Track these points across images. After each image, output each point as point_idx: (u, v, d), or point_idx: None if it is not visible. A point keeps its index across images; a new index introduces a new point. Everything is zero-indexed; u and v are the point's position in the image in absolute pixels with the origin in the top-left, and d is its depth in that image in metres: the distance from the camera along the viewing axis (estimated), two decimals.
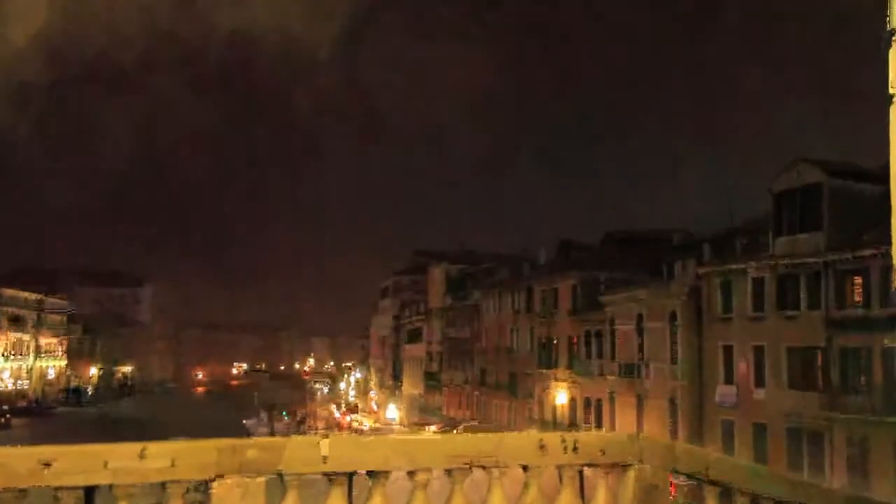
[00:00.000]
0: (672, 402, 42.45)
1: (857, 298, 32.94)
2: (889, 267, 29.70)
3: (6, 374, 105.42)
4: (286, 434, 36.10)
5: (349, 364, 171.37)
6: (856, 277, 32.96)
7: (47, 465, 4.28)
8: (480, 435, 6.11)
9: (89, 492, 4.54)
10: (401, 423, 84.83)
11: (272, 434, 61.37)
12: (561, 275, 55.53)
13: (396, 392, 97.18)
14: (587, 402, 51.73)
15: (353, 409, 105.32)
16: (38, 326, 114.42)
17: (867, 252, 31.18)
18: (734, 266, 38.98)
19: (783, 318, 35.91)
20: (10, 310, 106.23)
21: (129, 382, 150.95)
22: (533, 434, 6.04)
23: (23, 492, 4.26)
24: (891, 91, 2.73)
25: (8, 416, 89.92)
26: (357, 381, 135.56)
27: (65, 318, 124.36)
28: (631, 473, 5.91)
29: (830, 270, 33.67)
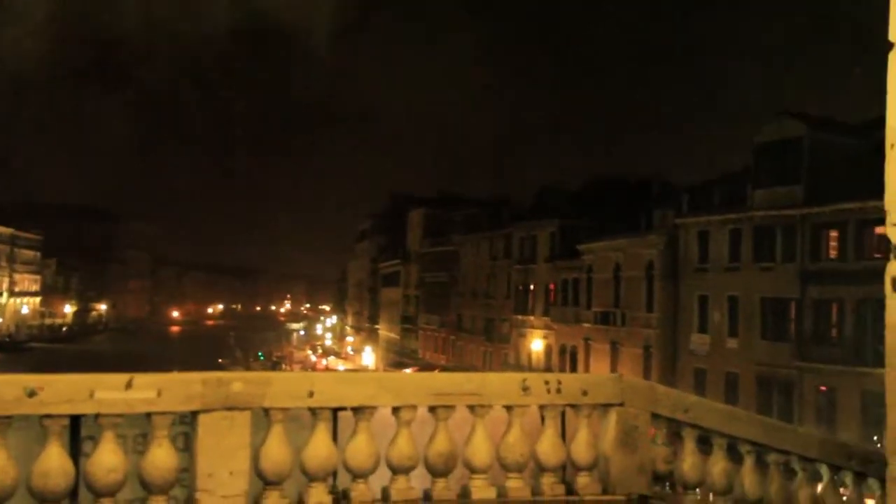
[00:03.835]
0: (646, 349, 42.98)
1: (833, 252, 33.30)
2: (865, 221, 29.96)
3: None
4: None
5: (326, 307, 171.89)
6: (832, 231, 33.29)
7: (33, 393, 4.24)
8: (464, 374, 6.13)
9: (75, 421, 4.51)
10: (377, 367, 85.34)
11: None
12: (540, 222, 55.59)
13: (373, 336, 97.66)
14: (562, 349, 52.25)
15: (329, 352, 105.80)
16: (12, 262, 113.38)
17: (844, 206, 31.46)
18: (712, 217, 39.20)
19: (758, 270, 36.29)
20: None
21: (104, 320, 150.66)
22: (517, 375, 6.06)
23: (7, 419, 4.23)
24: (891, 39, 2.71)
25: None
26: (333, 325, 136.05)
27: (39, 255, 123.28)
28: (613, 414, 5.97)
29: (807, 223, 33.96)
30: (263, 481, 4.94)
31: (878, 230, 29.69)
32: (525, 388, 5.70)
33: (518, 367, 55.42)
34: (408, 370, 66.35)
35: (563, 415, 5.94)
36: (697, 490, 6.32)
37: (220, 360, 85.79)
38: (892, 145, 3.05)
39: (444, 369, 61.50)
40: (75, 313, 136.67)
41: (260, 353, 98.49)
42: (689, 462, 6.19)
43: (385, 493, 5.28)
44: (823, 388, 32.92)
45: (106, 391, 4.46)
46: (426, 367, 67.51)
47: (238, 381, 4.84)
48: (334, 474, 5.20)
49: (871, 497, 6.82)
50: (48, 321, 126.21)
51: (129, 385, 4.51)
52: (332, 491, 5.15)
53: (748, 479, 6.35)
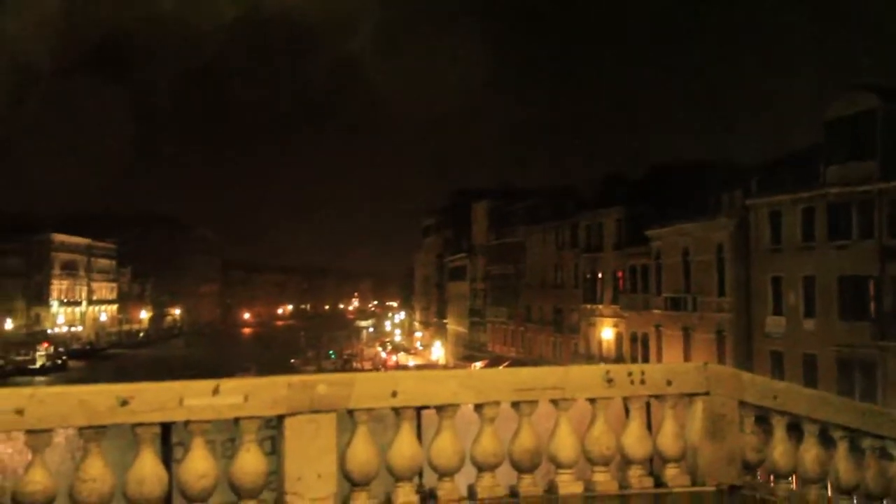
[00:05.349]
0: (719, 334, 42.20)
1: None
2: None
3: (61, 319, 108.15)
4: None
5: (393, 303, 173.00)
6: None
7: (125, 402, 4.32)
8: (546, 368, 6.07)
9: (166, 428, 4.59)
10: (446, 362, 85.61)
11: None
12: (605, 209, 55.05)
13: (441, 330, 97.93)
14: (633, 337, 51.65)
15: (398, 348, 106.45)
16: (89, 272, 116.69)
17: None
18: (783, 196, 38.26)
19: (834, 248, 35.29)
20: (61, 255, 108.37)
21: (179, 325, 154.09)
22: (599, 367, 5.98)
23: (102, 428, 4.32)
24: None
25: (64, 357, 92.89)
26: (402, 321, 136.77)
27: (114, 263, 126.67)
28: (699, 404, 5.84)
29: (884, 198, 32.90)
30: (351, 483, 4.95)
31: None
32: (609, 380, 5.61)
33: (588, 357, 54.99)
34: (478, 364, 66.47)
35: (647, 406, 5.84)
36: (790, 478, 6.16)
37: (291, 361, 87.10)
38: None
39: (513, 361, 61.37)
40: (151, 319, 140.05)
41: (331, 352, 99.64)
42: (779, 450, 6.04)
43: (471, 490, 5.25)
44: None
45: (194, 398, 4.52)
46: (496, 359, 67.52)
47: (322, 384, 4.85)
48: (420, 473, 5.19)
49: None
50: (125, 327, 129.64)
51: (216, 391, 4.56)
52: (419, 490, 5.14)
53: (842, 465, 6.17)
